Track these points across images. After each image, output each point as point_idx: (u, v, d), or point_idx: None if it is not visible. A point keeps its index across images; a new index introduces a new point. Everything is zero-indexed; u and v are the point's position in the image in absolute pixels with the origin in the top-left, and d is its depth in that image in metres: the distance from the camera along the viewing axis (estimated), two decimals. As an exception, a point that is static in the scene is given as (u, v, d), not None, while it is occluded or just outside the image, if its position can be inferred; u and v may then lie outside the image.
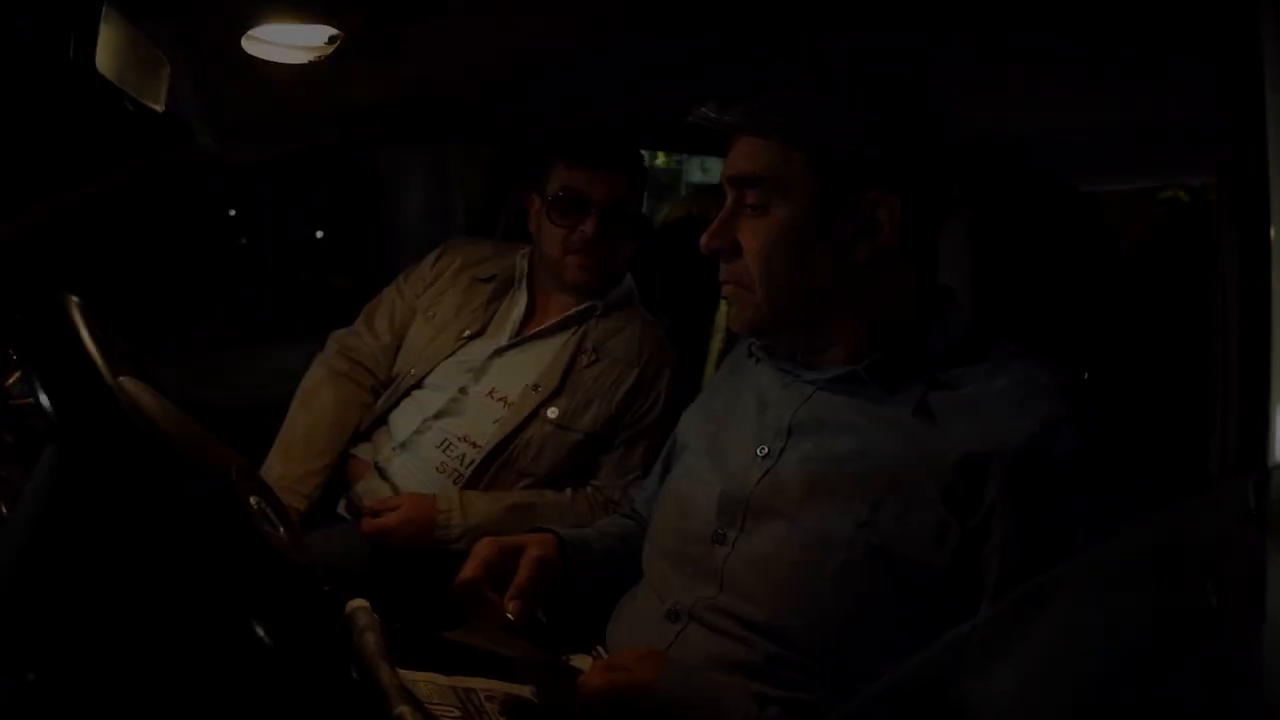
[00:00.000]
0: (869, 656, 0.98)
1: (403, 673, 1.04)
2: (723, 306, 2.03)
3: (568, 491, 1.73)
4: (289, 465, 1.73)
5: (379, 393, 1.85)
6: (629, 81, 1.75)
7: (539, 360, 1.76)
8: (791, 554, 1.03)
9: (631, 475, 1.73)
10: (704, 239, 1.12)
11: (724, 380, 1.31)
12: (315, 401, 1.81)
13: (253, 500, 0.85)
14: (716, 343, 2.05)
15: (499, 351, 1.78)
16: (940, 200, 1.09)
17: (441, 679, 1.14)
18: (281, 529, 0.87)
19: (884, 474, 1.01)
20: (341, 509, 1.78)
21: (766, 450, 1.11)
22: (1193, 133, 1.98)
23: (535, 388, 1.72)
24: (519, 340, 1.79)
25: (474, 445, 1.71)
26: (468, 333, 1.79)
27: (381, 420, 1.82)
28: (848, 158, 1.03)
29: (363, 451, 1.81)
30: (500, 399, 1.74)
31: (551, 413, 1.71)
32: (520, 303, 1.81)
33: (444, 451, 1.72)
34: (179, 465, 0.75)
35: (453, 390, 1.75)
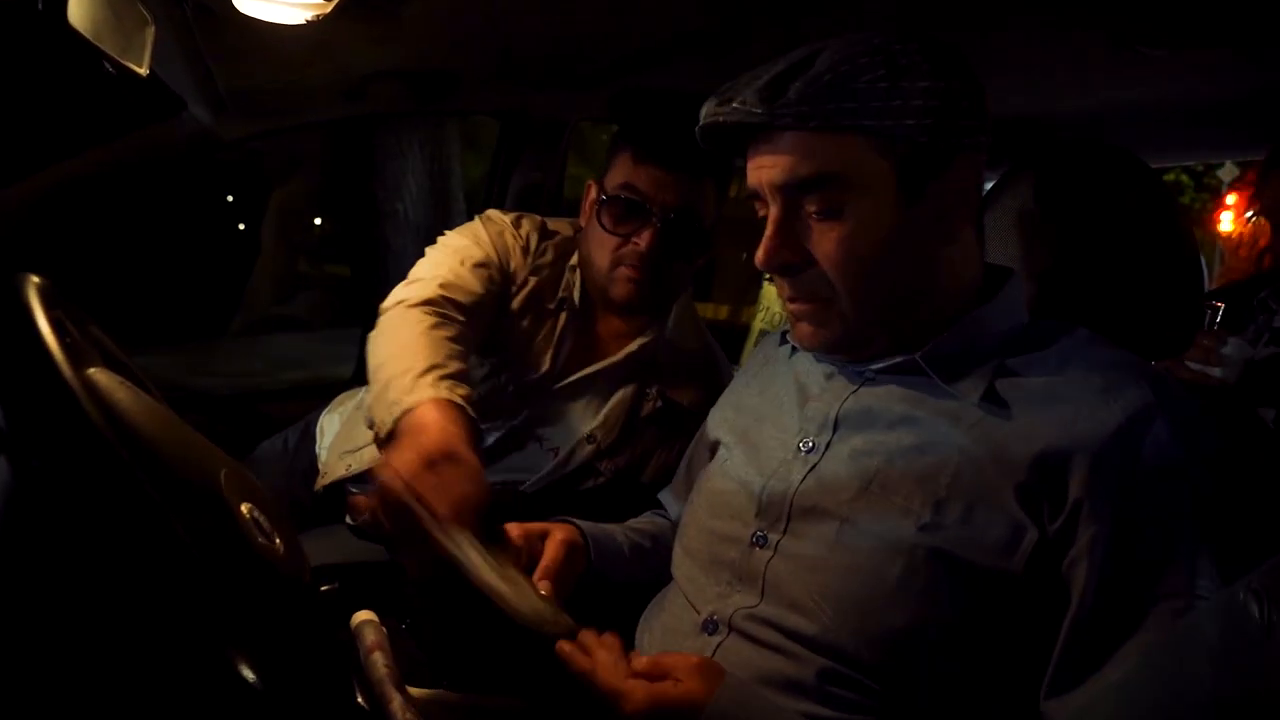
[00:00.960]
0: (934, 674, 0.88)
1: (413, 691, 0.95)
2: (766, 286, 1.92)
3: None
4: (433, 368, 1.26)
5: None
6: (626, 60, 1.63)
7: (594, 406, 1.57)
8: (843, 559, 0.93)
9: None
10: (762, 256, 0.97)
11: (755, 372, 1.21)
12: (421, 332, 1.34)
13: (244, 508, 0.75)
14: (758, 322, 1.93)
15: (551, 395, 1.58)
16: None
17: (454, 697, 1.06)
18: (277, 539, 0.78)
19: (947, 471, 0.90)
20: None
21: (811, 444, 1.01)
22: (1195, 115, 1.89)
23: (589, 439, 1.55)
24: (571, 381, 1.58)
25: (509, 493, 1.53)
26: (530, 377, 1.57)
27: None
28: (926, 133, 0.90)
29: None
30: (551, 450, 1.56)
31: (606, 465, 1.55)
32: (572, 328, 1.58)
33: None
34: (159, 471, 0.65)
35: (493, 436, 1.55)
